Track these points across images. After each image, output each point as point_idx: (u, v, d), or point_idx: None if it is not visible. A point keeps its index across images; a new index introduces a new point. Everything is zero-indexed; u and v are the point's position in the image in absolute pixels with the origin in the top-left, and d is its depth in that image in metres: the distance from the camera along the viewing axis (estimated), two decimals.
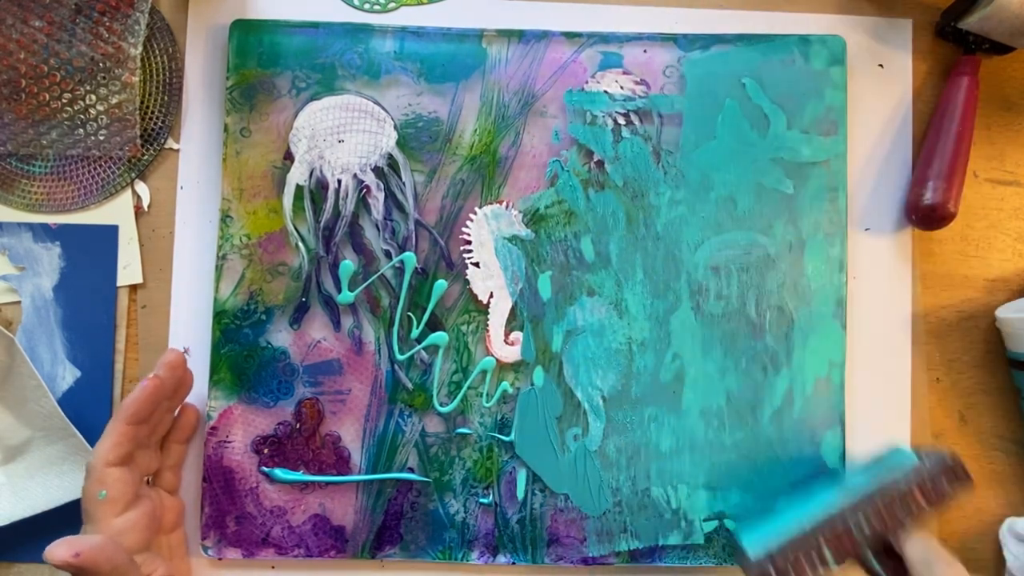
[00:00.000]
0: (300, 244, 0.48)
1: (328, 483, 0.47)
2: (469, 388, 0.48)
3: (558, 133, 0.49)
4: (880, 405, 0.50)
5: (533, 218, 0.49)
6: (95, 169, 0.49)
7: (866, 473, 0.45)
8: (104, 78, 0.48)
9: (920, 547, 0.40)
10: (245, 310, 0.48)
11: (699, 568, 0.48)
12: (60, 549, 0.37)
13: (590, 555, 0.48)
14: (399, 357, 0.48)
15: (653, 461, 0.48)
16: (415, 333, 0.48)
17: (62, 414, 0.45)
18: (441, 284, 0.48)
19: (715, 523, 0.48)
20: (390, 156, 0.48)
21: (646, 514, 0.48)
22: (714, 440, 0.48)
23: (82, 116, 0.48)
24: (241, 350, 0.48)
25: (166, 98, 0.49)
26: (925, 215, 0.48)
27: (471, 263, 0.48)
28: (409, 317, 0.48)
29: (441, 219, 0.48)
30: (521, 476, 0.48)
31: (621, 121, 0.49)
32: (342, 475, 0.47)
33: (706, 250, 0.49)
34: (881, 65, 0.51)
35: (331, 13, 0.50)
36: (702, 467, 0.48)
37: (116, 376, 0.48)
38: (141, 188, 0.49)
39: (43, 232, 0.48)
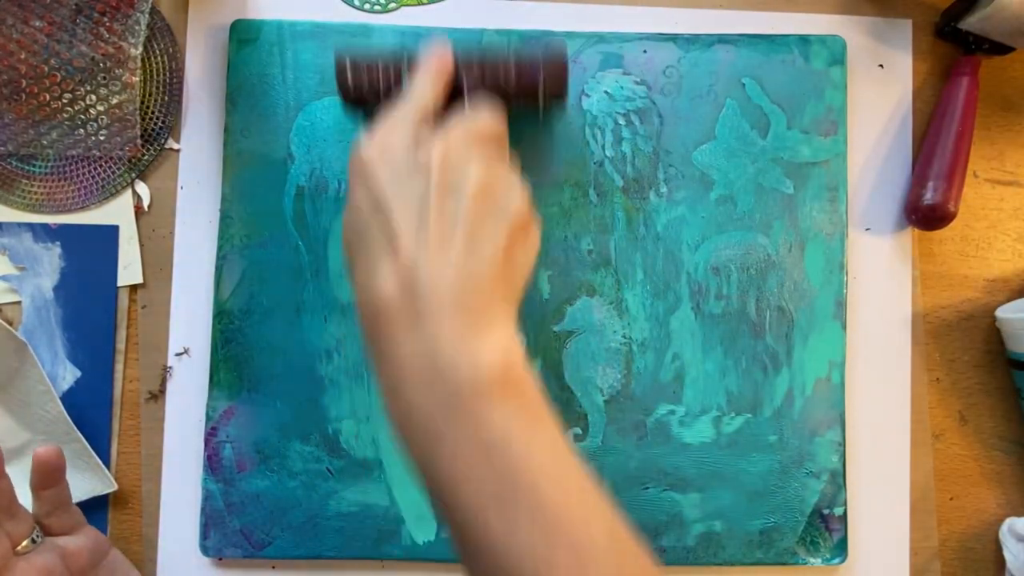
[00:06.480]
0: (300, 244, 0.48)
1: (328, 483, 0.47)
2: None
3: None
4: (880, 405, 0.50)
5: None
6: (95, 169, 0.49)
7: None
8: (104, 78, 0.48)
9: None
10: (245, 310, 0.48)
11: (697, 569, 0.48)
12: None
13: None
14: None
15: (652, 461, 0.48)
16: None
17: (68, 419, 0.45)
18: None
19: (713, 524, 0.48)
20: None
21: (645, 514, 0.48)
22: (714, 440, 0.48)
23: (82, 116, 0.48)
24: (241, 350, 0.48)
25: (166, 98, 0.49)
26: (925, 215, 0.48)
27: None
28: None
29: None
30: None
31: (621, 121, 0.49)
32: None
33: (706, 250, 0.49)
34: (881, 65, 0.51)
35: (331, 13, 0.50)
36: (701, 467, 0.48)
37: (116, 376, 0.48)
38: (141, 188, 0.49)
39: (43, 232, 0.48)
